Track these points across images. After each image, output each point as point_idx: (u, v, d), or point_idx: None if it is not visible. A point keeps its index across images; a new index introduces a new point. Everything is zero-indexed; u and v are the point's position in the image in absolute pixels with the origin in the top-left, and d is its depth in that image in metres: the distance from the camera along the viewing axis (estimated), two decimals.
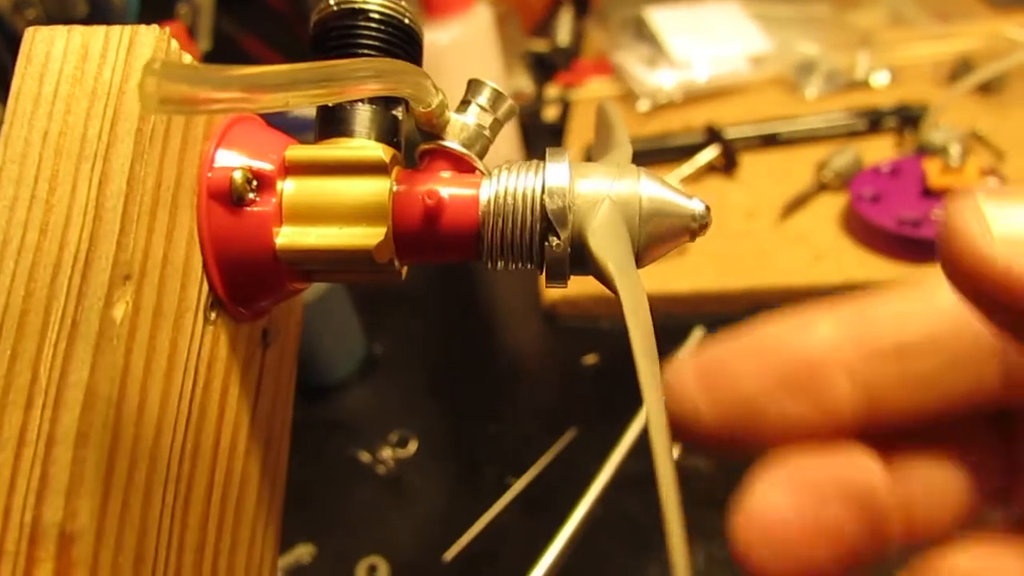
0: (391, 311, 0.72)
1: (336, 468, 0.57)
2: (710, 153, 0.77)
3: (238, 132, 0.22)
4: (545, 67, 1.03)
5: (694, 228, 0.21)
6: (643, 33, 0.95)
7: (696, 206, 0.21)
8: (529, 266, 0.21)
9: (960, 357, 0.20)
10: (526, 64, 1.00)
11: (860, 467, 0.20)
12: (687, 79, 0.89)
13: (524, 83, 0.98)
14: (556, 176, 0.21)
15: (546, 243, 0.21)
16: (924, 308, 0.20)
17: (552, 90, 0.98)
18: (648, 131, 0.86)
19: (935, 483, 0.21)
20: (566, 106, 0.95)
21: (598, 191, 0.20)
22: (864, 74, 0.84)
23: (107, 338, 0.17)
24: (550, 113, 0.96)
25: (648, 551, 0.47)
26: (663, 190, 0.21)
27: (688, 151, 0.78)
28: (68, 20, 0.20)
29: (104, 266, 0.18)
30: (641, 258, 0.21)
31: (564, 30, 1.06)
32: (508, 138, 0.81)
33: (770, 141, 0.78)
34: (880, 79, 0.83)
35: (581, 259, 0.21)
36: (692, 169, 0.77)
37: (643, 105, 0.88)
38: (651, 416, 0.18)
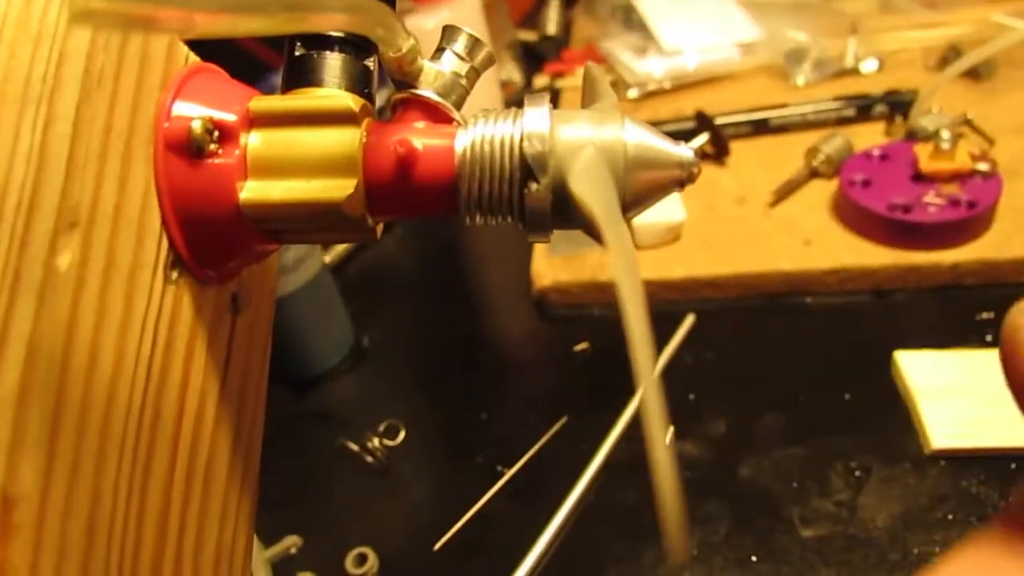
0: (379, 300, 0.71)
1: (325, 458, 0.56)
2: (700, 140, 0.76)
3: (199, 82, 0.21)
4: (534, 57, 1.02)
5: (682, 176, 0.20)
6: (632, 21, 0.94)
7: (684, 152, 0.20)
8: (509, 219, 0.20)
9: None
10: (514, 54, 0.99)
11: None
12: (676, 67, 0.88)
13: (513, 73, 0.97)
14: (535, 121, 0.19)
15: (525, 191, 0.19)
16: None
17: (541, 80, 0.97)
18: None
19: None
20: (555, 95, 0.94)
21: (580, 137, 0.19)
22: (853, 61, 0.83)
23: (51, 288, 0.16)
24: None
25: (641, 539, 0.46)
26: (649, 136, 0.20)
27: (678, 138, 0.77)
28: None
29: (48, 213, 0.16)
30: (628, 207, 0.20)
31: (552, 19, 1.05)
32: None
33: (760, 128, 0.78)
34: (869, 66, 0.83)
35: (564, 209, 0.20)
36: None
37: (633, 93, 0.88)
38: (643, 379, 0.16)
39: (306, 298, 0.60)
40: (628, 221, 0.20)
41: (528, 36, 1.05)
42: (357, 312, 0.66)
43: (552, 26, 1.04)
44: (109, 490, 0.18)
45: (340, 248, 0.74)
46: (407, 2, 0.75)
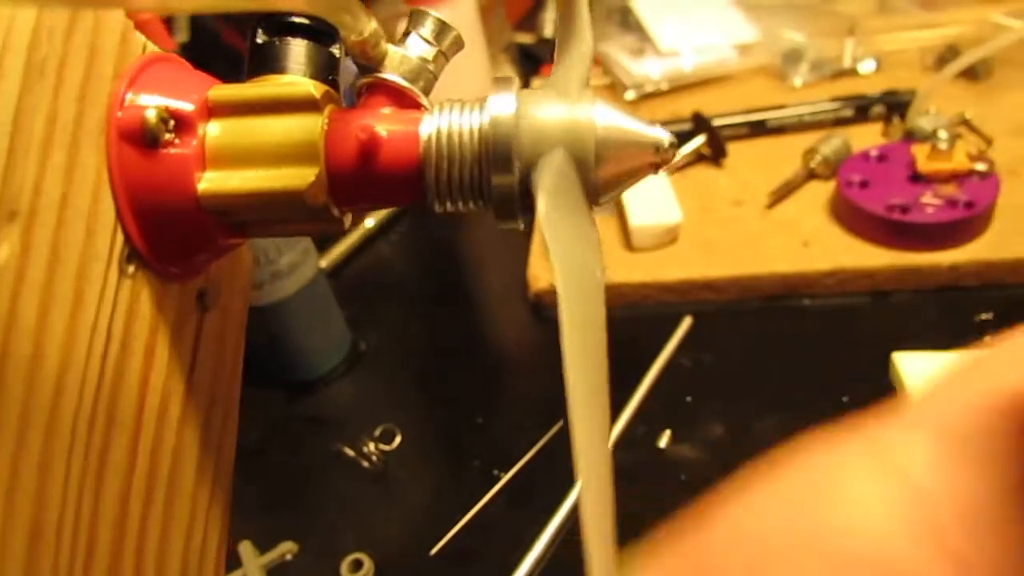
0: (376, 304, 0.71)
1: (320, 463, 0.55)
2: (697, 141, 0.75)
3: (156, 72, 0.20)
4: (530, 59, 1.01)
5: (657, 159, 0.19)
6: (629, 23, 0.93)
7: (659, 134, 0.19)
8: (480, 204, 0.19)
9: None
10: (511, 57, 0.98)
11: None
12: (673, 68, 0.87)
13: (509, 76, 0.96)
14: (501, 108, 0.19)
15: (492, 180, 0.19)
16: None
17: (538, 83, 0.97)
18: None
19: None
20: None
21: (548, 122, 0.19)
22: (851, 61, 0.83)
23: None
24: None
25: (637, 544, 0.45)
26: (622, 118, 0.19)
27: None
28: None
29: None
30: (600, 193, 0.19)
31: (549, 21, 1.04)
32: None
33: (758, 129, 0.77)
34: (867, 66, 0.82)
35: (532, 197, 0.19)
36: (680, 157, 0.75)
37: (630, 95, 0.87)
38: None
39: (302, 302, 0.59)
40: (603, 205, 0.19)
41: (525, 38, 1.04)
42: (353, 316, 0.65)
43: (549, 28, 1.04)
44: (56, 494, 0.17)
45: (336, 252, 0.74)
46: (401, 4, 0.75)
